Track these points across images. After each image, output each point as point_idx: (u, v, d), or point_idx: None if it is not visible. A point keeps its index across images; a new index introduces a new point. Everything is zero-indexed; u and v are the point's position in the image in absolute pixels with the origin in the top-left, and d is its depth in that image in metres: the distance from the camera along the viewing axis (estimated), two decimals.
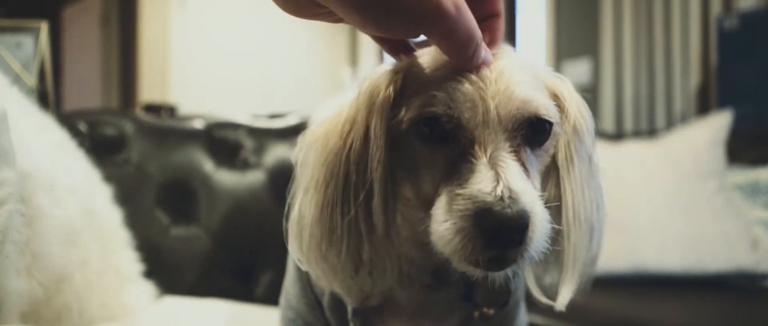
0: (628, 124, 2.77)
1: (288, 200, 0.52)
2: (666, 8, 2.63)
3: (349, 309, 0.56)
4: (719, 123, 1.70)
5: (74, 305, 0.80)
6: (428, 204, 0.45)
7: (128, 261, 1.03)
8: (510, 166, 0.42)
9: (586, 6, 3.09)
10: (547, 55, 3.31)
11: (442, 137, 0.45)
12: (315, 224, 0.48)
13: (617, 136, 2.38)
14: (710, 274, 1.52)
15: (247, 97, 4.32)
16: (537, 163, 0.47)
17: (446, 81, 0.44)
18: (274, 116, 1.50)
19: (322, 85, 4.68)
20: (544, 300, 0.52)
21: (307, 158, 0.50)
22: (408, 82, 0.47)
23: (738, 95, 2.18)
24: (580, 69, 3.10)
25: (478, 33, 0.42)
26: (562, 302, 0.49)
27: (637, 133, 2.50)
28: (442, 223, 0.42)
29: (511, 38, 3.73)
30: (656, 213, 1.58)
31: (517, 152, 0.44)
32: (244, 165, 1.37)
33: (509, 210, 0.39)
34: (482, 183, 0.41)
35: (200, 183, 1.32)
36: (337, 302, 0.58)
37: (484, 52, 0.44)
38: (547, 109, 0.45)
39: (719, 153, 1.66)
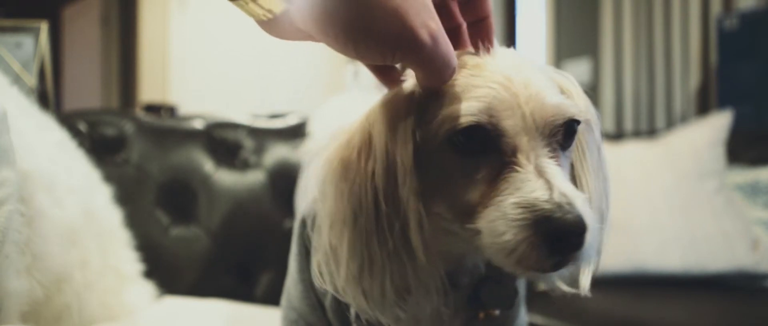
0: (628, 124, 2.77)
1: (297, 226, 0.50)
2: (666, 8, 2.63)
3: (352, 311, 0.56)
4: (719, 123, 1.70)
5: (74, 305, 0.80)
6: (466, 216, 0.44)
7: (128, 261, 1.03)
8: (556, 172, 0.42)
9: (586, 6, 3.09)
10: (547, 55, 3.31)
11: (479, 147, 0.44)
12: (350, 260, 0.46)
13: (617, 136, 2.38)
14: (710, 274, 1.52)
15: (247, 96, 4.31)
16: (567, 163, 0.48)
17: (479, 88, 0.44)
18: (274, 116, 1.50)
19: (322, 85, 4.67)
20: (566, 288, 0.52)
21: (325, 190, 0.48)
22: (428, 100, 0.46)
23: (738, 95, 2.18)
24: (580, 69, 3.10)
25: (454, 60, 0.43)
26: (584, 287, 0.49)
27: (637, 133, 2.50)
28: (501, 235, 0.41)
29: (511, 38, 3.73)
30: (656, 212, 1.58)
31: (554, 156, 0.44)
32: (244, 166, 1.37)
33: (570, 216, 0.40)
34: (537, 191, 0.41)
35: (200, 183, 1.32)
36: (339, 304, 0.58)
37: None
38: (577, 110, 0.46)
39: (719, 153, 1.66)
